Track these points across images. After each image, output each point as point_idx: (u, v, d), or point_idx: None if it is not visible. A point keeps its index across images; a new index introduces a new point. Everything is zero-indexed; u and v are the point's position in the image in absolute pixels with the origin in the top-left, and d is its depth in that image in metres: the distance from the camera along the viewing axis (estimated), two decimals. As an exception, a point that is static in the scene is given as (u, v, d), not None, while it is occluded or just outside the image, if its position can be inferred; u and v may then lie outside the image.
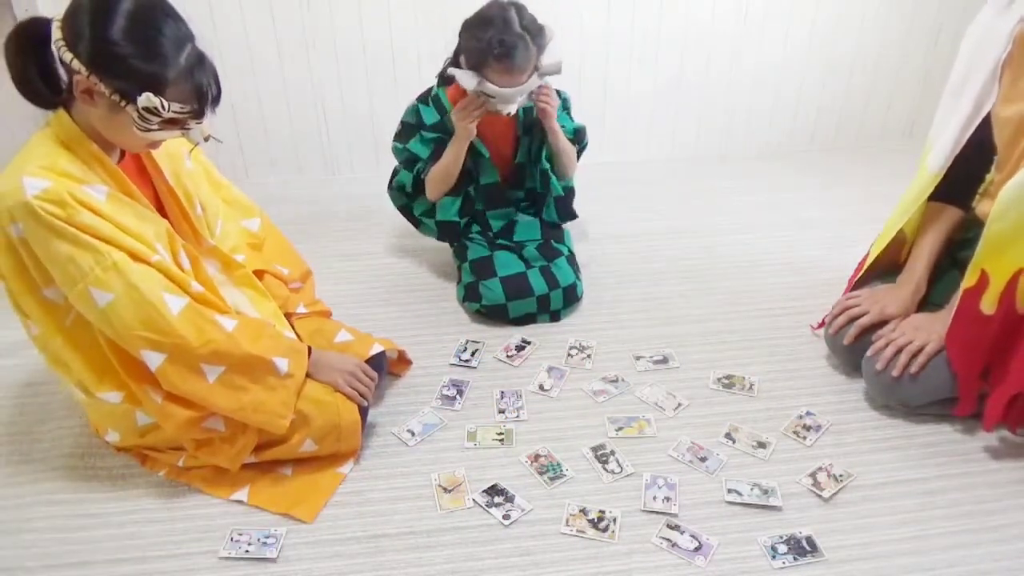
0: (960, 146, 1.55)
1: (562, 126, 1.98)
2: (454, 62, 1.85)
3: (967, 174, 1.63)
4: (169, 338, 1.32)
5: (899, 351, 1.56)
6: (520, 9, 1.77)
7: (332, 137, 2.74)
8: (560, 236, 2.10)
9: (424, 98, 1.98)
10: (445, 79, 1.93)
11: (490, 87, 1.74)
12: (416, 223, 2.14)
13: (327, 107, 2.68)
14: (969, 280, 1.47)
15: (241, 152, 2.72)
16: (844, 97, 2.94)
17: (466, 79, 1.75)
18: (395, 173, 2.11)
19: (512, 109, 1.81)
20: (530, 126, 2.01)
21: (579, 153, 2.10)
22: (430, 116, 1.96)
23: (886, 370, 1.56)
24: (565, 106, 2.06)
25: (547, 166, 2.02)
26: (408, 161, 2.01)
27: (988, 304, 1.44)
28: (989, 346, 1.48)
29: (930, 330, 1.54)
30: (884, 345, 1.58)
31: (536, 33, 1.75)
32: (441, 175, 1.95)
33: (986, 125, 1.54)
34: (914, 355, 1.54)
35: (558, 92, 2.01)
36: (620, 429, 1.60)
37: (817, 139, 3.02)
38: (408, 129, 2.00)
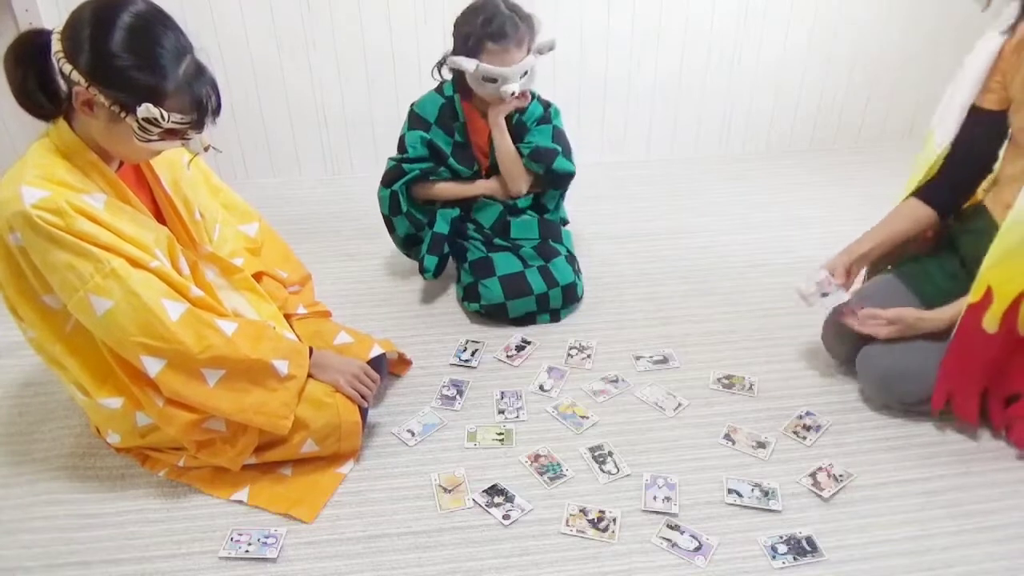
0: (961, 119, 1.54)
1: (529, 142, 1.99)
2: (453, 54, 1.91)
3: (956, 181, 1.62)
4: (169, 344, 1.32)
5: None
6: None
7: (332, 137, 2.74)
8: (558, 236, 2.10)
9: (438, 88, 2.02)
10: (457, 84, 1.98)
11: (488, 68, 1.83)
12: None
13: (327, 107, 2.68)
14: (975, 295, 1.44)
15: (241, 153, 2.72)
16: (844, 97, 2.94)
17: (465, 63, 1.84)
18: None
19: (515, 88, 1.86)
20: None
21: (553, 178, 2.04)
22: (432, 106, 1.99)
23: (878, 369, 1.58)
24: (550, 119, 2.03)
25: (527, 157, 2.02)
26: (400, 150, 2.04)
27: (990, 322, 1.42)
28: (987, 364, 1.47)
29: (916, 332, 1.55)
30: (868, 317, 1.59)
31: (524, 15, 1.86)
32: (444, 196, 2.04)
33: (976, 125, 1.54)
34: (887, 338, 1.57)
35: (547, 102, 2.04)
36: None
37: (817, 139, 3.02)
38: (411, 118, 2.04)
